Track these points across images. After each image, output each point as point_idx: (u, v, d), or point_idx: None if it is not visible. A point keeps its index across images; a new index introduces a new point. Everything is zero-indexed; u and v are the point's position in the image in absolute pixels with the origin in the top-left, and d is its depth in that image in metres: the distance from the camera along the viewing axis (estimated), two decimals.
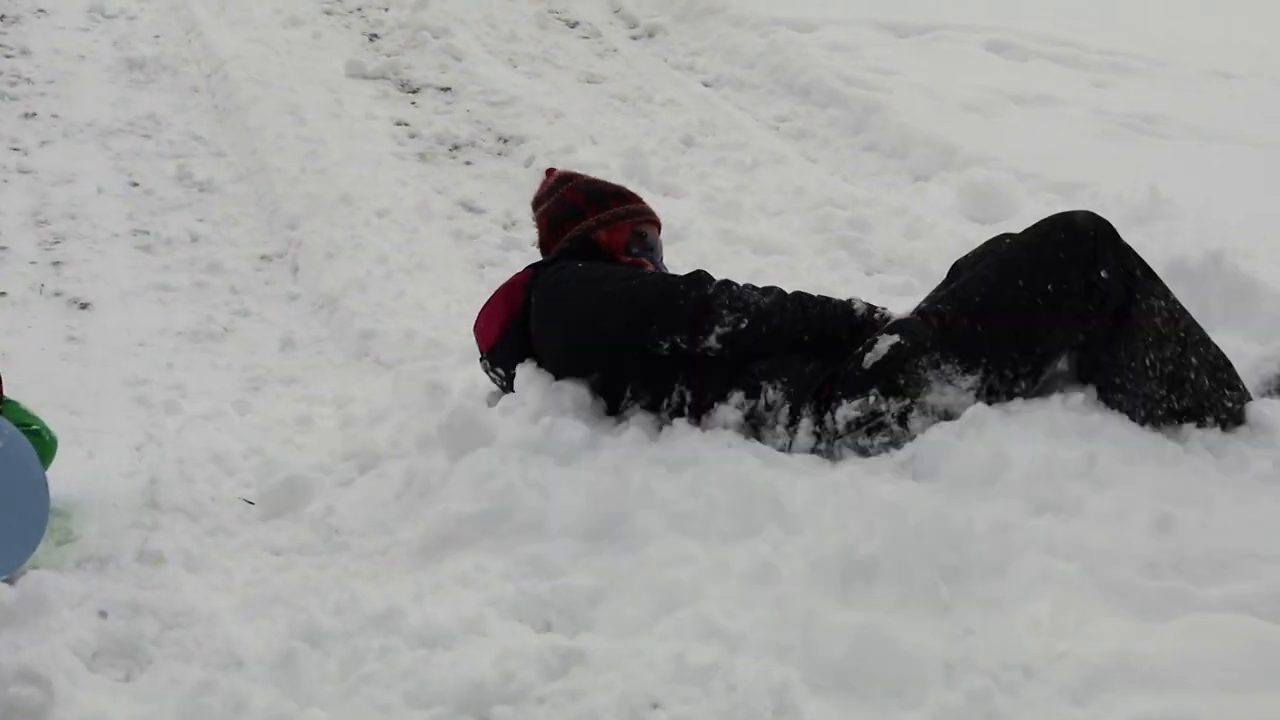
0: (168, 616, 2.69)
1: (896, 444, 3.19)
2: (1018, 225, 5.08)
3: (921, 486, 2.87)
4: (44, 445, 3.21)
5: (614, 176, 6.04)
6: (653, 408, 3.46)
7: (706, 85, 7.71)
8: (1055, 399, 3.08)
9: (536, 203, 4.00)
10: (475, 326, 3.78)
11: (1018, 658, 2.15)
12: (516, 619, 2.51)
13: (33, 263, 5.19)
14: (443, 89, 7.55)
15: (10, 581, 2.76)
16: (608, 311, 3.49)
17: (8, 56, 7.40)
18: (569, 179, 3.99)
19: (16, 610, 2.64)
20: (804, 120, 7.14)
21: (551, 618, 2.53)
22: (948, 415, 3.18)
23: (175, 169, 6.21)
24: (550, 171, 4.09)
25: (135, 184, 6.05)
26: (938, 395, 3.20)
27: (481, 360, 3.74)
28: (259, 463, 3.56)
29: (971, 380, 3.19)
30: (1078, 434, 2.93)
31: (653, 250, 3.90)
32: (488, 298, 3.76)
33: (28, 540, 2.96)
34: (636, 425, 3.37)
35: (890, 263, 5.20)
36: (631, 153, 6.34)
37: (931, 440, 3.09)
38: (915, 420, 3.20)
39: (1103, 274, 3.11)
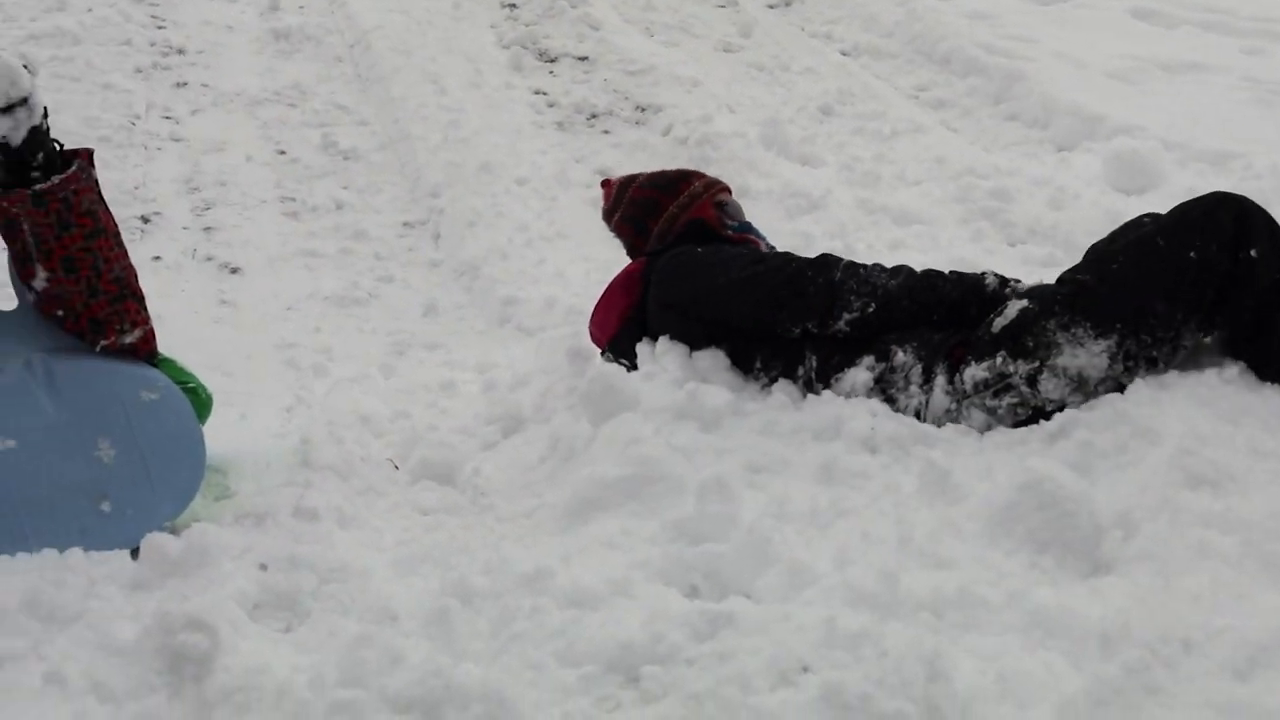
0: (324, 571, 2.72)
1: (1025, 405, 3.15)
2: (1165, 195, 5.05)
3: (1074, 458, 2.80)
4: (200, 402, 3.28)
5: (752, 145, 6.09)
6: (785, 376, 3.44)
7: (844, 54, 7.65)
8: (1210, 372, 2.99)
9: (609, 214, 4.05)
10: (592, 320, 3.82)
11: (1176, 631, 2.10)
12: (663, 582, 2.50)
13: (185, 228, 5.36)
14: (580, 58, 7.56)
15: (175, 533, 2.84)
16: (735, 299, 3.52)
17: (160, 28, 7.60)
18: (629, 181, 4.02)
19: (182, 561, 2.71)
20: (943, 89, 7.05)
21: (697, 582, 2.52)
22: (1080, 378, 3.11)
23: (320, 137, 6.35)
24: (606, 183, 4.14)
25: (282, 152, 6.21)
26: (1069, 357, 3.12)
27: (604, 354, 3.77)
28: (406, 426, 3.63)
29: (1105, 344, 3.10)
30: (1234, 408, 2.86)
31: (737, 217, 3.92)
32: (601, 292, 3.80)
33: (186, 488, 3.05)
34: (780, 392, 3.35)
35: (1033, 234, 5.12)
36: (769, 121, 6.31)
37: (1083, 411, 3.01)
38: (1046, 382, 3.13)
39: (1252, 252, 3.02)
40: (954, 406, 3.21)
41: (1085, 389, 3.11)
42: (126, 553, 2.82)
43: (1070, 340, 3.13)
